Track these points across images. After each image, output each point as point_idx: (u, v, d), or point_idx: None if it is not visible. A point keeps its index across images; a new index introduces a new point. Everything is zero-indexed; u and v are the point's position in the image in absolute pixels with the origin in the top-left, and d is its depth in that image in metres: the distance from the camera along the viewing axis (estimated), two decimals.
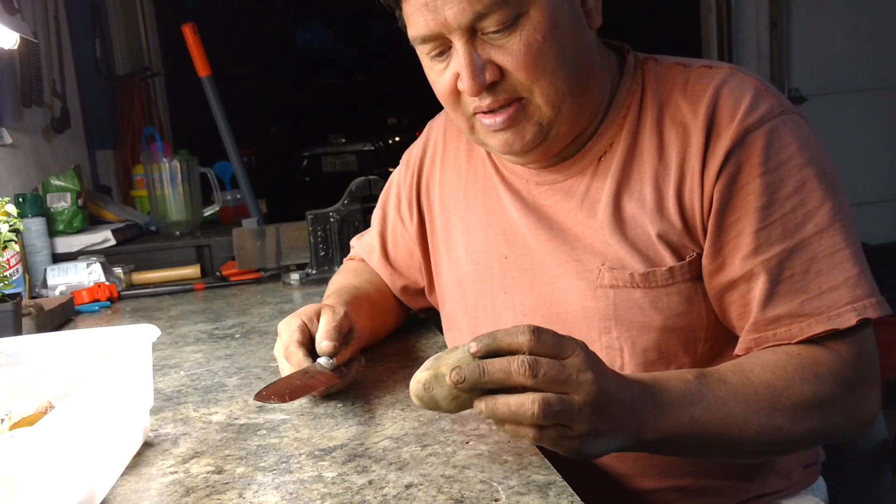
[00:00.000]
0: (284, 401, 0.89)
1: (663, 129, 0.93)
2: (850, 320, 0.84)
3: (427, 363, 0.76)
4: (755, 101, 0.89)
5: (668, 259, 0.91)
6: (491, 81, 0.88)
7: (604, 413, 0.73)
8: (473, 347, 0.72)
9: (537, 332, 0.72)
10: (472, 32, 0.87)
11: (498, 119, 0.90)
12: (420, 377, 0.75)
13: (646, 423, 0.77)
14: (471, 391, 0.73)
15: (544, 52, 0.87)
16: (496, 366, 0.71)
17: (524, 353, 0.71)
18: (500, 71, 0.88)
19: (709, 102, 0.90)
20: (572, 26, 0.89)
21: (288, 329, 1.01)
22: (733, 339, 0.92)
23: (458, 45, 0.87)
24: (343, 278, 1.26)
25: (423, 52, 0.93)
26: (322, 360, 0.96)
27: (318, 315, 1.02)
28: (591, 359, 0.74)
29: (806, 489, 1.04)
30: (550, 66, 0.87)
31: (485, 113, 0.91)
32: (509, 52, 0.87)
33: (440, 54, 0.91)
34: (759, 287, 0.87)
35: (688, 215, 0.91)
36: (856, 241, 0.87)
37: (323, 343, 0.97)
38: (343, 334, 1.00)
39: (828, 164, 0.90)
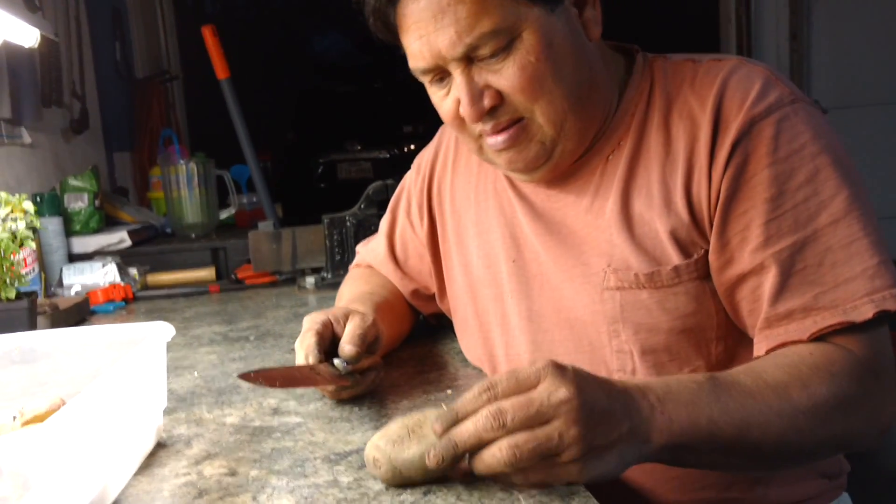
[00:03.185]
0: (274, 386, 0.88)
1: (670, 124, 0.91)
2: (866, 313, 0.80)
3: (381, 445, 0.72)
4: (764, 91, 0.87)
5: (675, 258, 0.89)
6: (490, 107, 0.88)
7: (597, 427, 0.68)
8: (437, 428, 0.69)
9: (491, 386, 0.69)
10: (469, 60, 0.87)
11: (500, 139, 0.90)
12: (382, 466, 0.72)
13: (653, 428, 0.72)
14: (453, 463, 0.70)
15: (540, 73, 0.86)
16: (465, 434, 0.68)
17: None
18: (500, 95, 0.88)
19: (716, 94, 0.88)
20: (569, 42, 0.89)
21: (311, 320, 0.99)
22: (747, 340, 0.89)
23: (456, 74, 0.88)
24: (356, 286, 1.24)
25: (425, 81, 0.93)
26: (337, 362, 0.94)
27: (346, 318, 1.00)
28: (565, 374, 0.69)
29: (830, 503, 1.01)
30: (548, 86, 0.87)
31: (489, 133, 0.91)
32: (505, 77, 0.87)
33: (440, 80, 0.92)
34: (769, 281, 0.83)
35: (696, 209, 0.88)
36: (875, 230, 0.83)
37: (346, 347, 0.95)
38: (368, 343, 0.98)
39: (844, 154, 0.86)
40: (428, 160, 1.19)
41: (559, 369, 0.69)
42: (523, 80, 0.86)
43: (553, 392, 0.67)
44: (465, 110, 0.88)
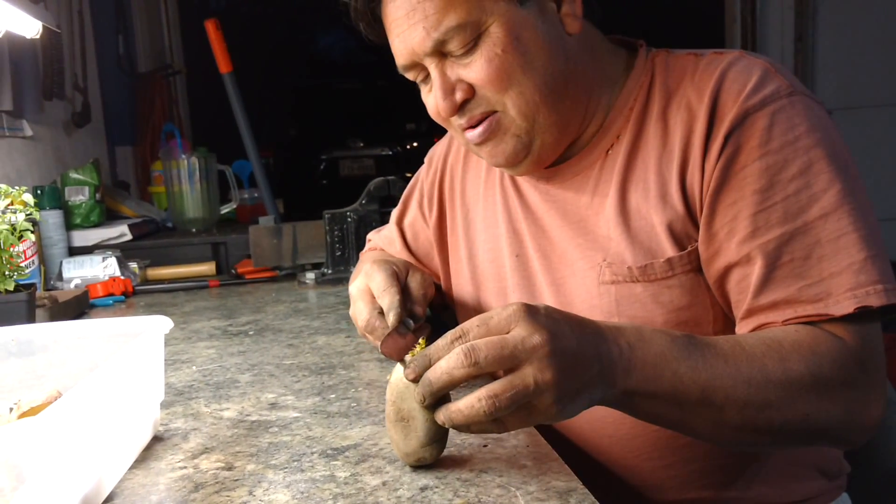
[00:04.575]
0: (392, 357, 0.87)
1: (669, 116, 0.91)
2: (847, 307, 0.78)
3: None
4: (760, 83, 0.86)
5: (669, 250, 0.88)
6: (463, 100, 0.90)
7: (571, 372, 0.67)
8: (409, 374, 0.70)
9: (464, 334, 0.68)
10: (442, 55, 0.89)
11: (476, 132, 0.92)
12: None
13: (618, 373, 0.72)
14: (434, 406, 0.69)
15: (507, 65, 0.87)
16: (437, 371, 0.68)
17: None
18: (472, 88, 0.89)
19: (714, 85, 0.88)
20: (541, 35, 0.89)
21: (385, 273, 0.97)
22: None
23: (430, 69, 0.90)
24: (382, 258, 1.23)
25: (410, 78, 0.96)
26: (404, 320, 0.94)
27: (408, 270, 1.03)
28: (537, 318, 0.68)
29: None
30: (516, 78, 0.88)
31: (465, 127, 0.92)
32: (474, 70, 0.88)
33: (424, 79, 0.94)
34: (755, 272, 0.82)
35: (690, 200, 0.88)
36: (868, 224, 0.81)
37: (416, 308, 0.96)
38: (428, 301, 1.02)
39: (841, 148, 0.85)
40: (441, 154, 1.20)
41: (531, 313, 0.69)
42: (490, 71, 0.87)
43: (527, 337, 0.67)
44: (439, 104, 0.90)
